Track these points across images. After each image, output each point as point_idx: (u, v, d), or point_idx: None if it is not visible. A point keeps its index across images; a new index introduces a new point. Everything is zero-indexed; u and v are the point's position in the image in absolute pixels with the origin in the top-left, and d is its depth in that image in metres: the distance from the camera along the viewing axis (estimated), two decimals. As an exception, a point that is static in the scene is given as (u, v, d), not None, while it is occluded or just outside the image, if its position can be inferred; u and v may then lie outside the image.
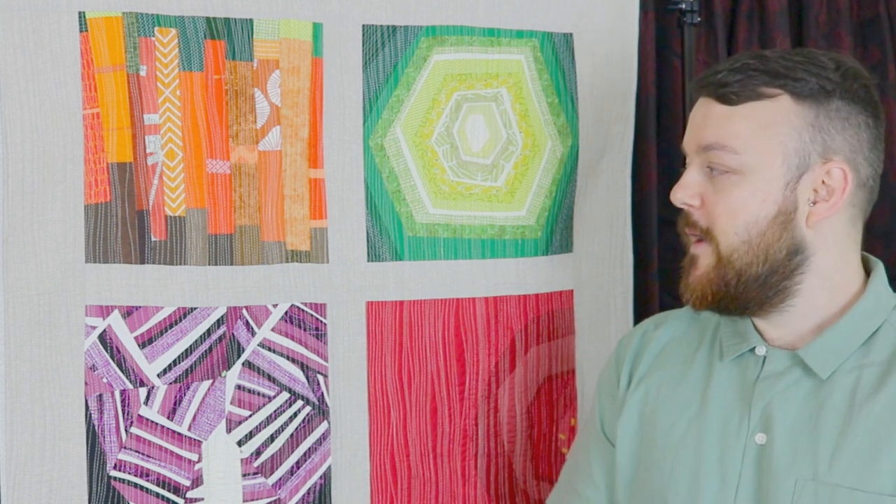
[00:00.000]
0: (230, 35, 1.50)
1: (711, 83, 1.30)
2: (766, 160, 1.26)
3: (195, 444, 1.48)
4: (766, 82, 1.27)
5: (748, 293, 1.28)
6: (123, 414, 1.44)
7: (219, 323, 1.49)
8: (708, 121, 1.29)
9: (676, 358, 1.40)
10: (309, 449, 1.53)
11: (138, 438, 1.45)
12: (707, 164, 1.29)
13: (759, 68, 1.28)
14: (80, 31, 1.42)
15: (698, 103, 1.33)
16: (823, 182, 1.26)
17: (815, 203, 1.27)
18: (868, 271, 1.32)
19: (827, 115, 1.26)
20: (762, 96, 1.27)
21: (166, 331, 1.46)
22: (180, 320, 1.47)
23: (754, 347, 1.31)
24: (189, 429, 1.48)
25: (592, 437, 1.47)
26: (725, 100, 1.28)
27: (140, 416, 1.45)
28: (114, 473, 1.44)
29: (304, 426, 1.53)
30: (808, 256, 1.27)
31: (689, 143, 1.33)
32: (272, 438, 1.51)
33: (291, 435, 1.52)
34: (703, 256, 1.30)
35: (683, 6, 1.84)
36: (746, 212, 1.26)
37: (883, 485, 1.18)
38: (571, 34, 1.69)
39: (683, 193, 1.30)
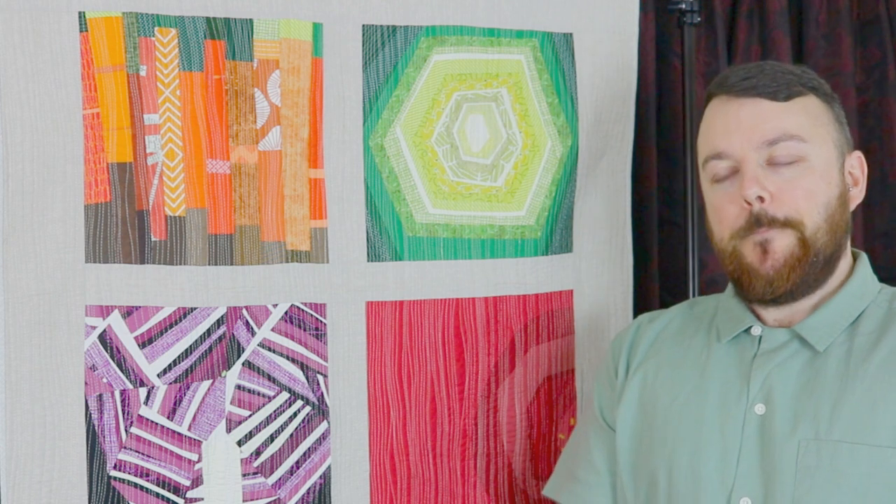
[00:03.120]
0: (230, 35, 1.50)
1: (755, 85, 1.35)
2: (824, 147, 1.34)
3: (195, 444, 1.48)
4: (795, 82, 1.36)
5: (817, 274, 1.32)
6: (123, 414, 1.44)
7: (219, 323, 1.49)
8: (765, 116, 1.34)
9: (673, 344, 1.45)
10: (309, 449, 1.54)
11: (138, 438, 1.45)
12: (770, 157, 1.32)
13: (779, 70, 1.37)
14: (80, 31, 1.42)
15: (738, 104, 1.35)
16: (850, 172, 1.38)
17: (850, 189, 1.38)
18: (854, 260, 1.41)
19: (838, 115, 1.39)
20: (801, 94, 1.35)
21: (166, 331, 1.46)
22: (180, 320, 1.47)
23: (750, 328, 1.37)
24: (189, 429, 1.48)
25: (591, 425, 1.50)
26: (775, 96, 1.34)
27: (140, 416, 1.45)
28: (114, 473, 1.44)
29: (304, 426, 1.53)
30: (848, 236, 1.37)
31: (742, 141, 1.34)
32: (272, 438, 1.51)
33: (291, 435, 1.52)
34: (778, 240, 1.31)
35: (683, 6, 1.84)
36: (822, 194, 1.33)
37: (882, 437, 1.23)
38: (571, 34, 1.69)
39: (758, 187, 1.31)
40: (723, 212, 1.36)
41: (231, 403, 1.50)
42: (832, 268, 1.34)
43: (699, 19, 1.86)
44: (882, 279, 2.01)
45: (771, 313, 1.37)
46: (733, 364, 1.36)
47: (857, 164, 1.39)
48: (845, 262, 1.37)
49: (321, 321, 1.55)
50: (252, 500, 1.50)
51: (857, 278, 1.36)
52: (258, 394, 1.51)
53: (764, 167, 1.33)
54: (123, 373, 1.44)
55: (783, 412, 1.29)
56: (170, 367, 1.47)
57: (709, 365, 1.38)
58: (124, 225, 1.44)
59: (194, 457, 1.48)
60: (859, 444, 1.24)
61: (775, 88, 1.34)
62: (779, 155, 1.32)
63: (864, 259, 1.40)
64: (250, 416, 1.51)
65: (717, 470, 1.31)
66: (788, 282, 1.31)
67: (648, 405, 1.41)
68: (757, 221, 1.32)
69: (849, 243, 1.39)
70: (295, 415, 1.53)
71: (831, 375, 1.29)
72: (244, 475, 1.50)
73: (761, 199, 1.31)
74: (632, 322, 1.54)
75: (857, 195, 1.39)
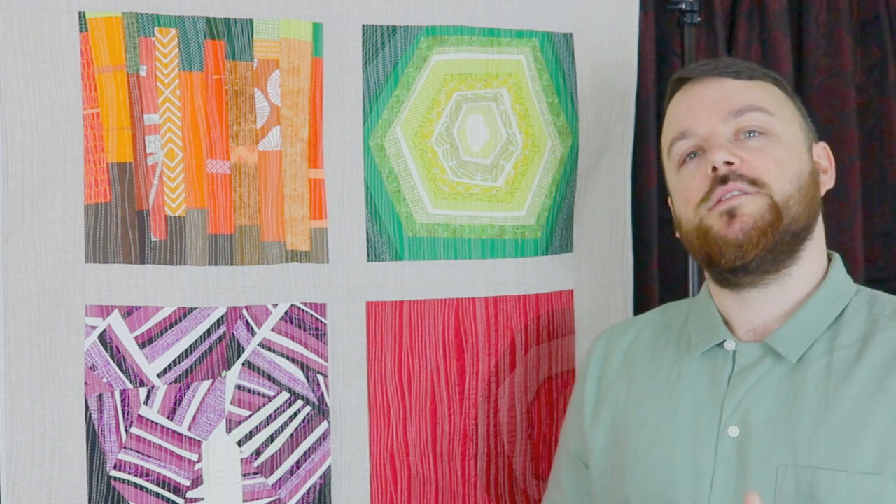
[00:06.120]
0: (230, 35, 1.50)
1: (716, 66, 1.35)
2: (791, 126, 1.33)
3: (195, 444, 1.48)
4: (757, 70, 1.36)
5: (785, 246, 1.28)
6: (123, 414, 1.44)
7: (219, 323, 1.49)
8: (729, 91, 1.33)
9: (644, 360, 1.41)
10: (309, 449, 1.54)
11: (138, 438, 1.45)
12: (737, 129, 1.31)
13: (739, 60, 1.38)
14: (80, 31, 1.42)
15: (701, 85, 1.35)
16: (817, 162, 1.35)
17: (820, 175, 1.37)
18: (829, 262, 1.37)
19: (800, 108, 1.37)
20: (762, 79, 1.35)
21: (166, 331, 1.46)
22: (180, 320, 1.47)
23: (723, 342, 1.32)
24: (189, 429, 1.48)
25: (563, 452, 1.50)
26: (738, 76, 1.34)
27: (140, 416, 1.45)
28: (114, 473, 1.44)
29: (304, 426, 1.53)
30: (818, 219, 1.33)
31: (708, 116, 1.32)
32: (272, 438, 1.51)
33: (291, 435, 1.52)
34: (748, 205, 1.26)
35: (683, 6, 1.84)
36: (792, 164, 1.30)
37: (863, 464, 1.19)
38: (571, 34, 1.69)
39: (725, 152, 1.28)
40: (688, 189, 1.32)
41: (231, 403, 1.50)
42: (800, 245, 1.29)
43: (699, 19, 1.86)
44: (882, 279, 2.02)
45: (744, 318, 1.32)
46: (705, 382, 1.32)
47: (823, 153, 1.37)
48: (818, 255, 1.33)
49: (321, 321, 1.55)
50: (252, 500, 1.50)
51: (829, 282, 1.31)
52: (258, 394, 1.51)
53: (731, 141, 1.30)
54: (123, 373, 1.44)
55: (760, 435, 1.25)
56: (170, 367, 1.47)
57: (679, 384, 1.34)
58: (124, 225, 1.44)
59: (194, 457, 1.48)
60: (839, 470, 1.20)
61: (737, 69, 1.34)
62: (746, 125, 1.30)
63: (837, 260, 1.35)
64: (250, 416, 1.51)
65: (690, 496, 1.27)
66: (758, 247, 1.26)
67: (621, 429, 1.38)
68: (722, 180, 1.27)
69: (823, 236, 1.34)
70: (295, 415, 1.53)
71: (810, 395, 1.24)
72: (244, 475, 1.50)
73: (730, 163, 1.27)
74: (599, 337, 1.50)
75: (828, 181, 1.36)
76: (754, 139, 1.30)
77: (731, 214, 1.27)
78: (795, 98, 1.38)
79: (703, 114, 1.32)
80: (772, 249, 1.27)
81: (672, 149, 1.36)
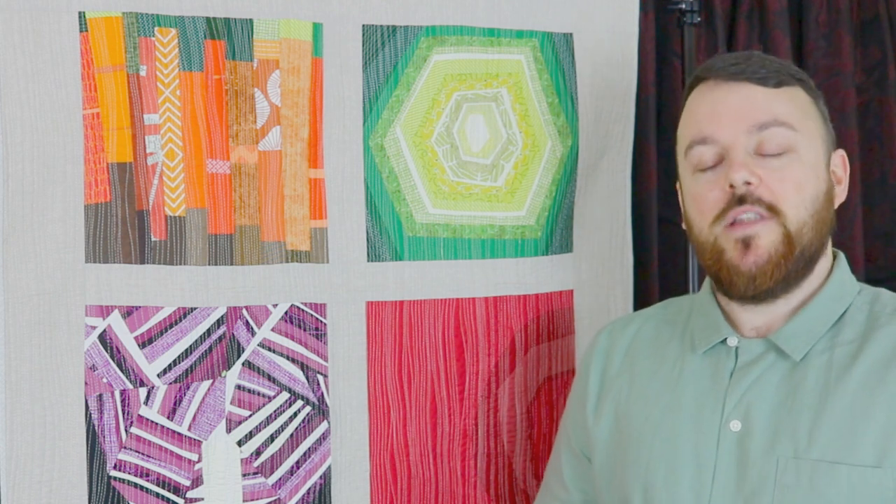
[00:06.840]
0: (230, 35, 1.50)
1: (744, 70, 1.30)
2: (813, 140, 1.30)
3: (195, 444, 1.48)
4: (784, 72, 1.32)
5: (799, 272, 1.28)
6: (123, 414, 1.44)
7: (219, 323, 1.49)
8: (755, 100, 1.29)
9: (647, 354, 1.41)
10: (309, 449, 1.54)
11: (138, 438, 1.45)
12: (759, 143, 1.28)
13: (767, 59, 1.33)
14: (80, 31, 1.42)
15: (726, 88, 1.31)
16: (833, 171, 1.33)
17: (835, 186, 1.34)
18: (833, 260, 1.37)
19: (822, 111, 1.35)
20: (789, 83, 1.31)
21: (166, 331, 1.46)
22: (180, 320, 1.47)
23: (726, 339, 1.33)
24: (189, 429, 1.48)
25: (563, 444, 1.50)
26: (765, 82, 1.29)
27: (140, 416, 1.45)
28: (114, 473, 1.44)
29: (304, 426, 1.53)
30: (831, 234, 1.33)
31: (730, 125, 1.29)
32: (272, 438, 1.51)
33: (291, 435, 1.52)
34: (764, 235, 1.26)
35: (683, 6, 1.84)
36: (809, 186, 1.28)
37: (864, 456, 1.20)
38: (571, 34, 1.69)
39: (746, 171, 1.26)
40: (704, 200, 1.30)
41: (231, 403, 1.50)
42: (813, 266, 1.30)
43: (699, 19, 1.86)
44: (882, 279, 2.02)
45: (748, 318, 1.32)
46: (707, 377, 1.32)
47: (839, 162, 1.35)
48: (825, 261, 1.33)
49: (321, 321, 1.55)
50: (252, 500, 1.50)
51: (833, 281, 1.31)
52: (258, 394, 1.51)
53: (752, 156, 1.28)
54: (123, 373, 1.45)
55: (761, 429, 1.25)
56: (170, 367, 1.47)
57: (682, 378, 1.34)
58: (124, 225, 1.44)
59: (194, 457, 1.48)
60: (839, 463, 1.20)
61: (765, 74, 1.30)
62: (768, 143, 1.27)
63: (841, 259, 1.35)
64: (250, 416, 1.51)
65: (692, 489, 1.27)
66: (771, 279, 1.26)
67: (623, 423, 1.38)
68: (739, 201, 1.26)
69: (830, 242, 1.34)
70: (295, 415, 1.53)
71: (810, 389, 1.25)
72: (244, 475, 1.50)
73: (748, 183, 1.26)
74: (601, 331, 1.50)
75: (841, 194, 1.34)
76: (776, 158, 1.27)
77: (745, 244, 1.26)
78: (819, 98, 1.35)
79: (726, 121, 1.29)
80: (784, 278, 1.27)
81: (690, 152, 1.33)
